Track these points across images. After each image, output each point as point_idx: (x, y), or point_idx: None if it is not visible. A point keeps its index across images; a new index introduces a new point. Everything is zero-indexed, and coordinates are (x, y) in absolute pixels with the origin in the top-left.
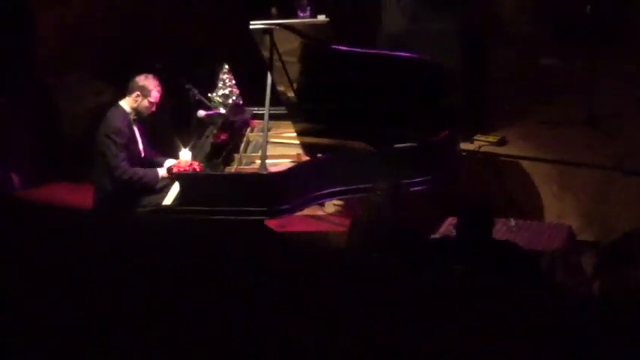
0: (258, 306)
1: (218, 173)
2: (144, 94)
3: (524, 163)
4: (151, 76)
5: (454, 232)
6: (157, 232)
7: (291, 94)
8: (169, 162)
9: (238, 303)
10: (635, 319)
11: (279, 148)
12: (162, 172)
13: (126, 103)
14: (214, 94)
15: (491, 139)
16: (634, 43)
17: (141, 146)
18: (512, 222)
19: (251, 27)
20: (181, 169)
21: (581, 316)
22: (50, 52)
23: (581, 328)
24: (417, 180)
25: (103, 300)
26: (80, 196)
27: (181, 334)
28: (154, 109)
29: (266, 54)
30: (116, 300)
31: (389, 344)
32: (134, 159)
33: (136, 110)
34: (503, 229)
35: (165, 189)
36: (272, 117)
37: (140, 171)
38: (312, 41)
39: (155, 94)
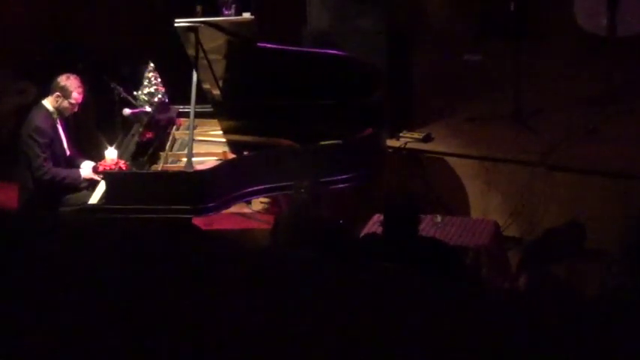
0: (184, 304)
1: (144, 172)
2: (64, 94)
3: (451, 160)
4: (72, 77)
5: (380, 229)
6: (83, 231)
7: (216, 91)
8: (87, 164)
9: (165, 301)
10: (559, 315)
11: (205, 146)
12: (84, 172)
13: (48, 103)
14: (140, 93)
15: (416, 135)
16: (557, 38)
17: (65, 145)
18: (439, 218)
19: (176, 25)
20: (107, 168)
21: (507, 311)
22: None
23: (506, 324)
24: (343, 177)
25: (29, 299)
26: (5, 196)
27: (106, 333)
28: (75, 109)
29: (191, 52)
30: (42, 299)
31: (313, 340)
32: (59, 158)
33: (57, 110)
34: (430, 225)
35: (91, 188)
36: (198, 115)
37: (62, 172)
38: (237, 39)
39: (76, 95)
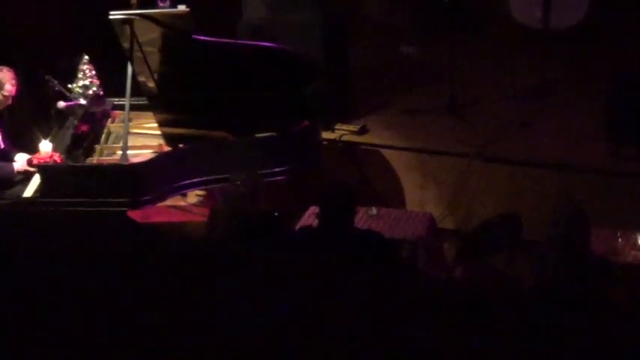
0: (119, 296)
1: (79, 164)
2: None
3: (386, 152)
4: (5, 69)
5: (316, 222)
6: (17, 224)
7: (152, 84)
8: (21, 156)
9: (101, 293)
10: (495, 306)
11: (141, 139)
12: (17, 165)
13: None
14: (74, 85)
15: (352, 128)
16: (493, 30)
17: (0, 138)
18: (374, 210)
19: (110, 17)
20: (41, 161)
21: (442, 303)
22: None
23: (443, 315)
24: (278, 169)
25: None
26: None
27: (45, 325)
28: (9, 102)
29: (126, 44)
30: None
31: (253, 332)
32: None
33: None
34: (365, 217)
35: (25, 181)
36: (133, 107)
37: None
38: (172, 31)
39: (9, 88)
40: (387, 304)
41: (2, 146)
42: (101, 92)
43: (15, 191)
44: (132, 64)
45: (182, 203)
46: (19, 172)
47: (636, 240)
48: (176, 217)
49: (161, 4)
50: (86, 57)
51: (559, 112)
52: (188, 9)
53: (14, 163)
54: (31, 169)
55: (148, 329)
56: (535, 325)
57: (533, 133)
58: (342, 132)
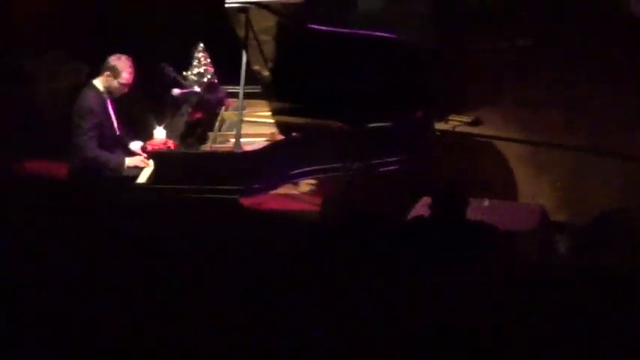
0: (237, 285)
1: (192, 151)
2: (114, 74)
3: (499, 144)
4: (123, 57)
5: (429, 212)
6: (132, 210)
7: (266, 73)
8: (136, 144)
9: (216, 281)
10: (611, 300)
11: (254, 127)
12: (129, 160)
13: (99, 83)
14: (189, 73)
15: (465, 119)
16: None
17: (115, 125)
18: (486, 202)
19: (226, 5)
20: (155, 148)
21: (553, 295)
22: (27, 32)
23: (557, 309)
24: (390, 159)
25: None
26: (56, 175)
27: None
28: (126, 89)
29: (241, 33)
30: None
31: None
32: (109, 138)
33: (107, 90)
34: (477, 209)
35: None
36: (247, 96)
37: (105, 155)
38: (287, 20)
39: (126, 76)
40: (499, 295)
41: (118, 133)
42: (215, 80)
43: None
44: (246, 53)
45: (294, 192)
46: (128, 168)
47: None
48: (287, 206)
49: None
50: (201, 45)
51: None
52: None
53: (127, 158)
54: (141, 164)
55: (265, 312)
56: None
57: None
58: (454, 123)
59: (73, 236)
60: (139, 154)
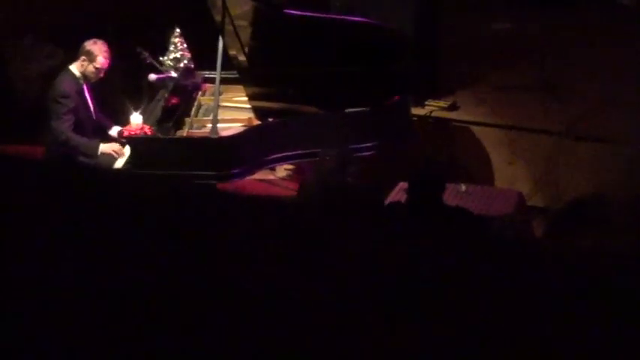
0: (216, 271)
1: (169, 137)
2: (90, 59)
3: (476, 129)
4: (99, 42)
5: (405, 197)
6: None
7: (242, 57)
8: (115, 129)
9: (192, 269)
10: (587, 284)
11: (231, 112)
12: (103, 147)
13: (75, 67)
14: (166, 58)
15: (442, 104)
16: (584, 6)
17: (92, 110)
18: (463, 187)
19: None
20: (132, 133)
21: (531, 281)
22: (3, 16)
23: (534, 293)
24: (368, 145)
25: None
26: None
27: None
28: (101, 74)
29: (218, 17)
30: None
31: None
32: (85, 122)
33: (83, 75)
34: (454, 194)
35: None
36: (223, 81)
37: (79, 139)
38: (264, 5)
39: (101, 60)
40: (474, 280)
41: (94, 117)
42: (192, 65)
43: (105, 163)
44: (223, 37)
45: (271, 177)
46: (102, 154)
47: None
48: (264, 191)
49: None
50: (178, 30)
51: None
52: None
53: (101, 145)
54: (115, 154)
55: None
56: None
57: (626, 112)
58: (431, 108)
59: (50, 222)
60: (116, 141)
